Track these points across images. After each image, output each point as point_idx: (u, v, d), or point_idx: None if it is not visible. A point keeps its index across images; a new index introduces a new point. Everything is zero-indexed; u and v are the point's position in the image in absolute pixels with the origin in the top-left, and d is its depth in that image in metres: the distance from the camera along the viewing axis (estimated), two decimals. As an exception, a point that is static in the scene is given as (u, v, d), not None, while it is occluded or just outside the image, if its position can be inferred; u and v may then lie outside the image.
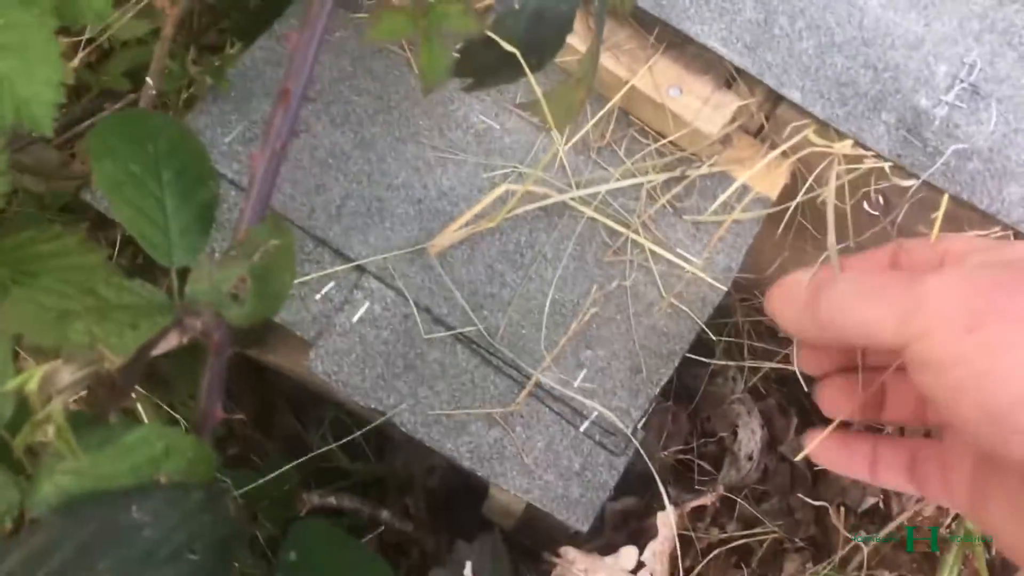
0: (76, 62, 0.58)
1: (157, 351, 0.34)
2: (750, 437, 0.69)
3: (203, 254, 0.35)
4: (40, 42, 0.34)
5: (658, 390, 0.55)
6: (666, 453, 0.70)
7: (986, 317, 0.31)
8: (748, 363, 0.73)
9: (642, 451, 0.54)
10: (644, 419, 0.55)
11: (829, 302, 0.36)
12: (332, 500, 0.64)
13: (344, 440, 0.66)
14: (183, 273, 0.35)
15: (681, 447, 0.71)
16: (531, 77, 0.43)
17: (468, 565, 0.46)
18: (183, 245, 0.34)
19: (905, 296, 0.33)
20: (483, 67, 0.41)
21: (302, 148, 0.58)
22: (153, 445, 0.32)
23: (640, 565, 0.60)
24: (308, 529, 0.40)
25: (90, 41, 0.60)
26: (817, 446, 0.41)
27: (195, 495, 0.33)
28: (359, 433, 0.64)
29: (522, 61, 0.41)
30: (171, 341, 0.34)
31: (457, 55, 0.40)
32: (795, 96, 0.53)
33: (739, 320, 0.76)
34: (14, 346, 0.33)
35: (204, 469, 0.34)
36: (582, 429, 0.54)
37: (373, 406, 0.53)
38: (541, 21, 0.41)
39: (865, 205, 0.58)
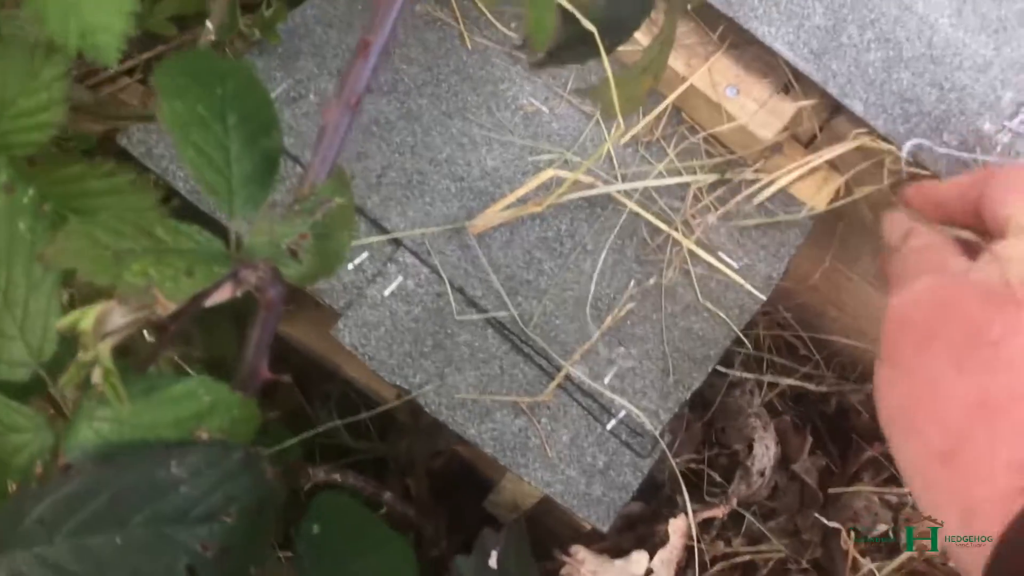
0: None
1: (209, 302, 0.32)
2: (764, 452, 0.68)
3: (264, 206, 0.33)
4: (113, -33, 0.33)
5: (689, 395, 0.54)
6: (678, 460, 0.69)
7: None
8: (767, 378, 0.72)
9: (669, 455, 0.52)
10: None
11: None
12: (337, 476, 0.63)
13: (351, 420, 0.65)
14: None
15: (692, 456, 0.70)
16: (605, 58, 0.42)
17: (494, 555, 0.45)
18: (244, 195, 0.33)
19: None
20: (560, 44, 0.40)
21: (346, 113, 0.56)
22: (200, 399, 0.31)
23: (648, 572, 0.59)
24: (331, 503, 0.38)
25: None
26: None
27: (235, 455, 0.32)
28: (367, 415, 0.62)
29: (598, 40, 0.40)
30: (224, 293, 0.32)
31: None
32: (857, 107, 0.52)
33: (760, 333, 0.75)
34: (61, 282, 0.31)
35: (247, 429, 0.32)
36: (609, 427, 0.53)
37: (398, 383, 0.52)
38: (623, 0, 0.40)
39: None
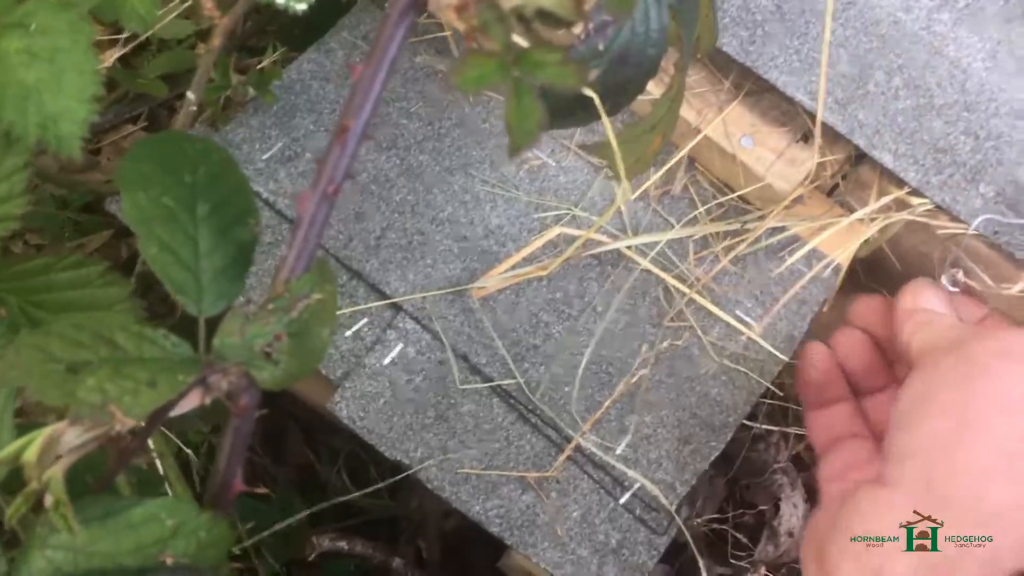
0: (111, 59, 0.54)
1: (175, 412, 0.29)
2: (792, 512, 0.64)
3: (236, 304, 0.31)
4: (75, 51, 0.30)
5: (707, 465, 0.51)
6: (700, 520, 0.65)
7: None
8: (793, 430, 0.68)
9: (683, 528, 0.49)
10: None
11: None
12: (344, 544, 0.60)
13: (367, 491, 0.62)
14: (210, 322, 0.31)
15: (716, 515, 0.67)
16: (607, 122, 0.39)
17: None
18: (215, 291, 0.30)
19: None
20: (556, 108, 0.37)
21: (344, 171, 0.54)
22: (162, 523, 0.28)
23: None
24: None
25: (130, 37, 0.56)
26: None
27: (203, 581, 0.29)
28: (383, 484, 0.59)
29: (599, 105, 0.37)
30: (192, 401, 0.30)
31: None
32: (886, 159, 0.49)
33: (785, 382, 0.71)
34: (16, 401, 0.29)
35: (216, 553, 0.30)
36: (622, 501, 0.50)
37: (399, 458, 0.49)
38: (625, 64, 0.37)
39: (944, 279, 0.53)
